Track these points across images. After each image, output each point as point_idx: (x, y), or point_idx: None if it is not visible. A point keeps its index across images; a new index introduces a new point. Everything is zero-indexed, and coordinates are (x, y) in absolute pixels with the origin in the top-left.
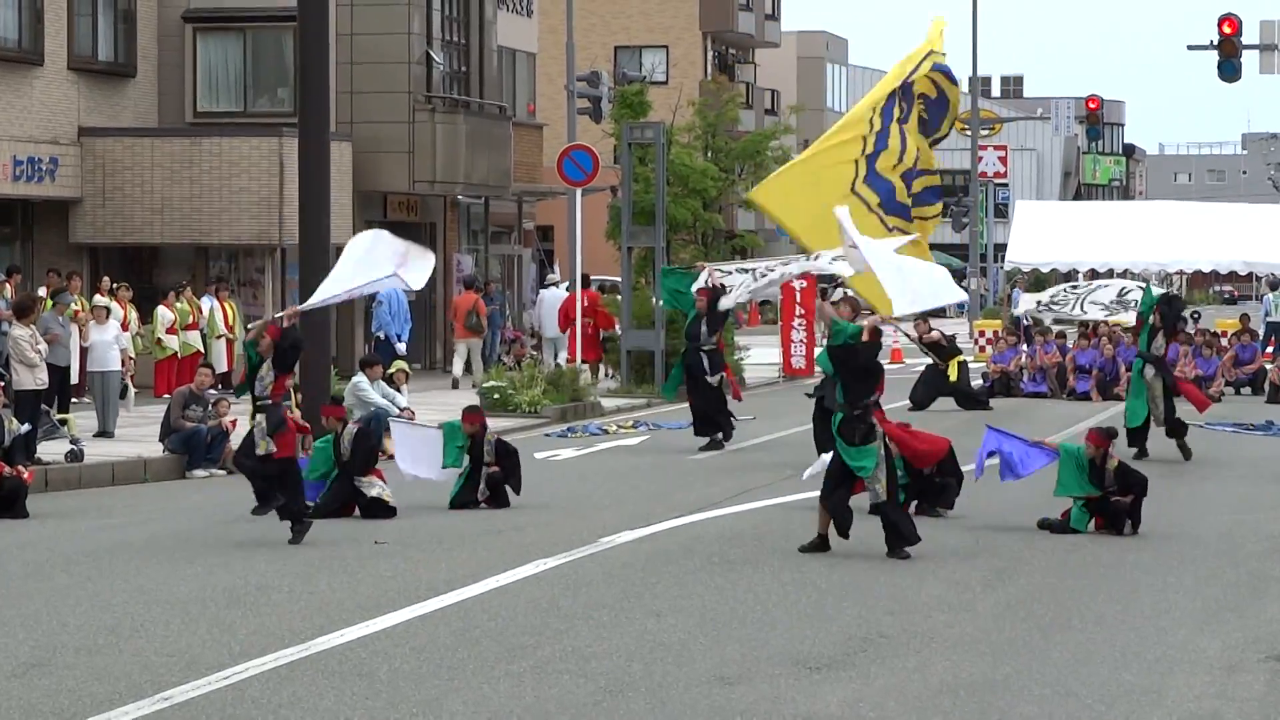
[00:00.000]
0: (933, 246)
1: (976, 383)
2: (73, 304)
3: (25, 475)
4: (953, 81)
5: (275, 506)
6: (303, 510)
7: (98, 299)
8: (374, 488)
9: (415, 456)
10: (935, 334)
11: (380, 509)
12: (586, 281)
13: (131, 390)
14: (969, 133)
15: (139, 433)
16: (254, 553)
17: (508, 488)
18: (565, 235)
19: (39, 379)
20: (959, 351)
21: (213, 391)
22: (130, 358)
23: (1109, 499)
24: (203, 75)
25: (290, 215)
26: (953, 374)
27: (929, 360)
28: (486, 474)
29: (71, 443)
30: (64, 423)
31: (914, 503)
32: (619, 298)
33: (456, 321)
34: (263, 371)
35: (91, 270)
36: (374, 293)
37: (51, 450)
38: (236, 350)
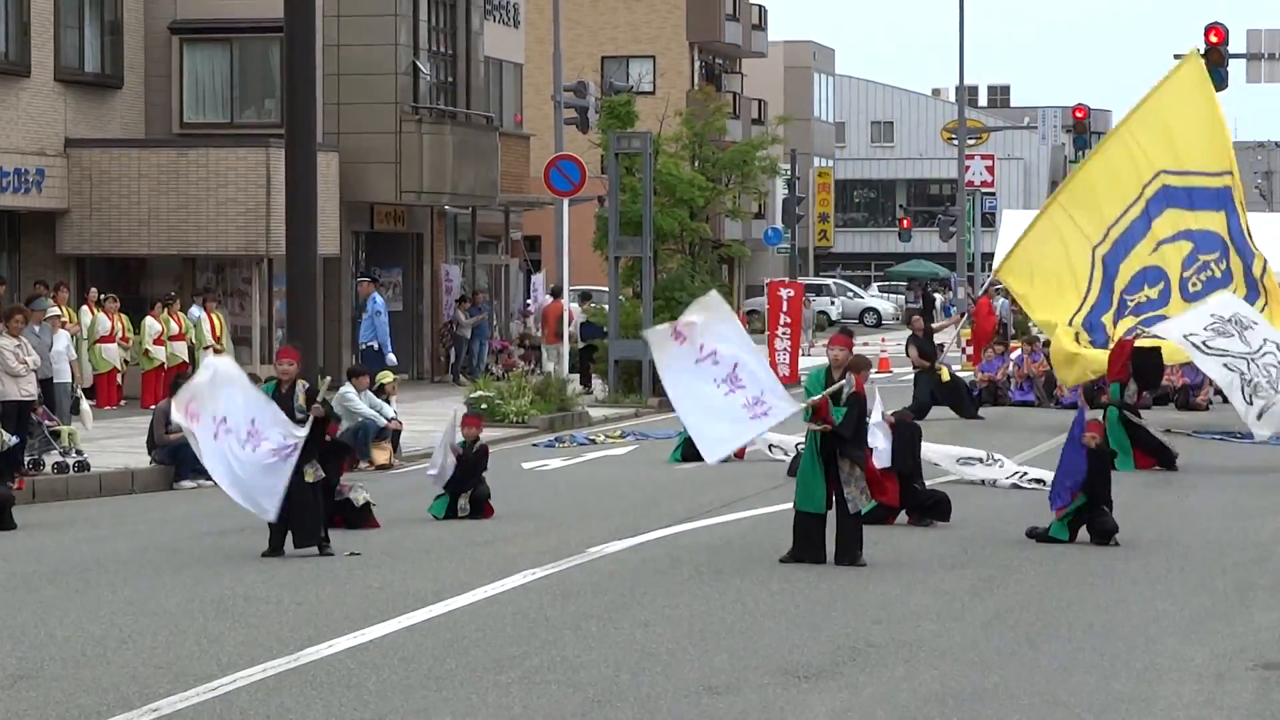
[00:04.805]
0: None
1: None
2: (55, 312)
3: (13, 487)
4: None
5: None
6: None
7: (51, 308)
8: (362, 496)
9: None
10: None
11: (367, 516)
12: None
13: (85, 405)
14: (955, 142)
15: (127, 444)
16: (242, 564)
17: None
18: (552, 245)
19: (24, 390)
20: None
21: None
22: (117, 369)
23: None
24: (189, 86)
25: (277, 226)
26: (944, 375)
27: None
28: (471, 494)
29: (62, 454)
30: (55, 435)
31: (903, 512)
32: (605, 307)
33: (547, 328)
34: None
35: (78, 281)
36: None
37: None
38: None
